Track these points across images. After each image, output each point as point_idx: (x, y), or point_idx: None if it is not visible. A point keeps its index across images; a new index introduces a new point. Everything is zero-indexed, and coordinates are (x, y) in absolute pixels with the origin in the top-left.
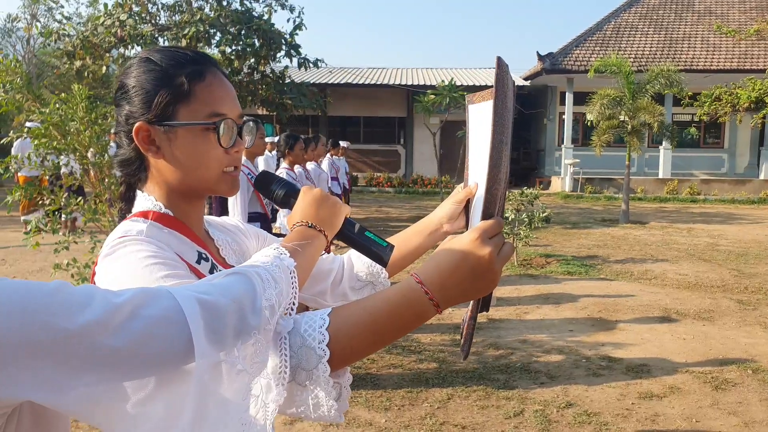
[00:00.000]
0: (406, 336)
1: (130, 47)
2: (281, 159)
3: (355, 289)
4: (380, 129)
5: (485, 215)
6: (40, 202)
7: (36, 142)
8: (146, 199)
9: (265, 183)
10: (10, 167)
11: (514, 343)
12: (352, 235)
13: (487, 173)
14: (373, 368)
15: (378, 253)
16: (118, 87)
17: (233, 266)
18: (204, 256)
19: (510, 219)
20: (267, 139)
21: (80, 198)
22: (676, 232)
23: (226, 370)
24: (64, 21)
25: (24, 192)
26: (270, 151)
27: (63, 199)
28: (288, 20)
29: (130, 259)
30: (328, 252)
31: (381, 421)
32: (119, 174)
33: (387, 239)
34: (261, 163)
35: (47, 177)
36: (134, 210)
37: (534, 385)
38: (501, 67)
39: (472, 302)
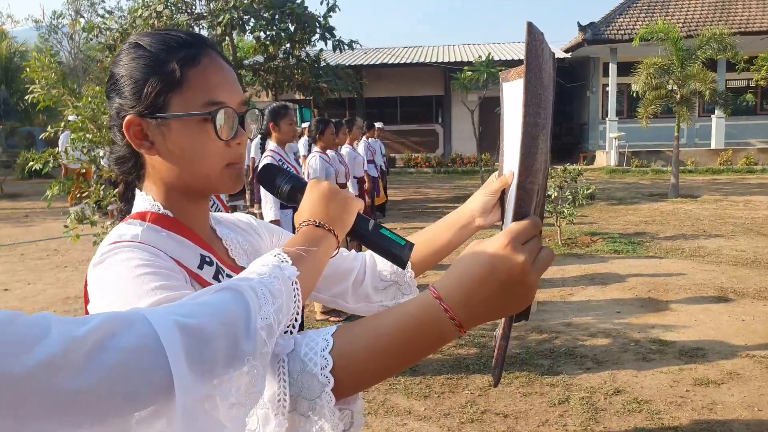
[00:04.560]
0: None
1: None
2: (312, 144)
3: (378, 289)
4: (417, 108)
5: (518, 215)
6: (79, 195)
7: (73, 135)
8: (144, 199)
9: (268, 177)
10: (50, 162)
11: (559, 327)
12: (366, 233)
13: (519, 164)
14: None
15: (395, 252)
16: (108, 77)
17: (245, 268)
18: (207, 259)
19: (553, 197)
20: (305, 125)
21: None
22: (731, 205)
23: (216, 403)
24: (106, 15)
25: (62, 185)
26: (307, 137)
27: (101, 191)
28: (321, 2)
29: (119, 269)
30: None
31: (420, 409)
32: (116, 172)
33: (413, 235)
34: (302, 148)
35: (93, 169)
36: (133, 210)
37: (579, 370)
38: (532, 34)
39: (503, 320)
